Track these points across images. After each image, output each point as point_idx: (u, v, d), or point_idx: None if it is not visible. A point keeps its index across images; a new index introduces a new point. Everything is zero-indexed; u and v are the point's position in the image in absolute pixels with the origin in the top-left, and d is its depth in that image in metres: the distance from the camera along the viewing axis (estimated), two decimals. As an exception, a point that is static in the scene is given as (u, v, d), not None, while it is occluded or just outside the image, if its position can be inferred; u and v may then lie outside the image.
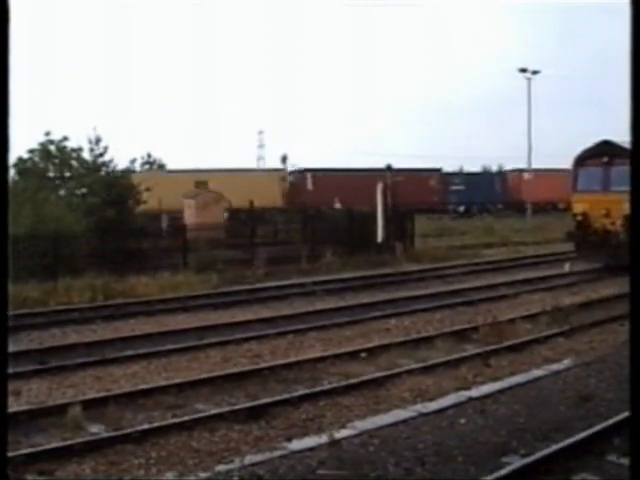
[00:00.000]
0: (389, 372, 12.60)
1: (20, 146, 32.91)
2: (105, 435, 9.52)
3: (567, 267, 27.03)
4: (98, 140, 32.63)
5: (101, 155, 32.80)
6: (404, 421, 9.78)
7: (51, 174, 32.70)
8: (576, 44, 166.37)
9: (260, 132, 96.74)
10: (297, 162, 67.44)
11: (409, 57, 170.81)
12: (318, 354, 14.14)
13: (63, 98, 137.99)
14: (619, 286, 21.20)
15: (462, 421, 9.75)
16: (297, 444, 9.04)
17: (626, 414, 8.84)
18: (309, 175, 57.81)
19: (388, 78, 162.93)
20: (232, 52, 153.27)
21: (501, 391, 11.26)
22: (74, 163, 33.12)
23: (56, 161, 33.04)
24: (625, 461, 7.92)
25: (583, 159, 26.93)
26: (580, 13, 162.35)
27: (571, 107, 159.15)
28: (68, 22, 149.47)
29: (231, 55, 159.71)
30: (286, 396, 11.18)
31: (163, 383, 12.08)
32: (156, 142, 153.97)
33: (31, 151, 33.11)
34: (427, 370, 12.80)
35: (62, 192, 29.72)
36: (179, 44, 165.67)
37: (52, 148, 33.02)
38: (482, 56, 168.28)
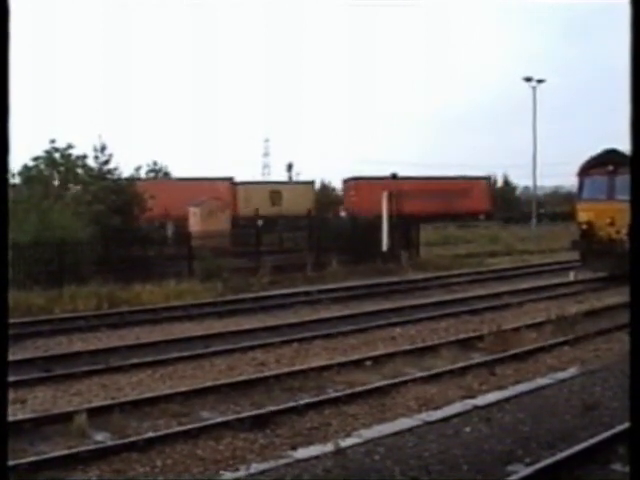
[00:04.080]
0: (394, 381, 12.60)
1: (24, 154, 32.93)
2: (110, 443, 9.53)
3: (572, 276, 27.00)
4: (103, 148, 32.71)
5: (106, 162, 32.86)
6: (409, 430, 9.76)
7: (56, 182, 32.71)
8: (582, 52, 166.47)
9: (266, 140, 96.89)
10: (301, 170, 67.42)
11: (415, 65, 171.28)
12: (323, 362, 14.14)
13: (67, 106, 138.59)
14: (624, 295, 21.14)
15: (467, 430, 9.74)
16: (302, 452, 9.03)
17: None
18: None
19: (392, 86, 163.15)
20: (237, 60, 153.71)
21: (506, 400, 11.24)
22: (79, 171, 33.15)
23: (61, 169, 33.04)
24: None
25: (588, 168, 26.89)
26: (584, 19, 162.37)
27: (577, 115, 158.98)
28: (70, 29, 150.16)
29: (236, 63, 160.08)
30: (291, 404, 11.19)
31: (168, 391, 12.09)
32: (161, 150, 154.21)
33: (36, 159, 33.11)
34: (432, 379, 12.79)
35: (67, 199, 29.66)
36: (183, 52, 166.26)
37: (57, 156, 33.02)
38: (487, 64, 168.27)
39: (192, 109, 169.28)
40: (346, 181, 64.87)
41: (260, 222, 39.83)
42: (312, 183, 62.58)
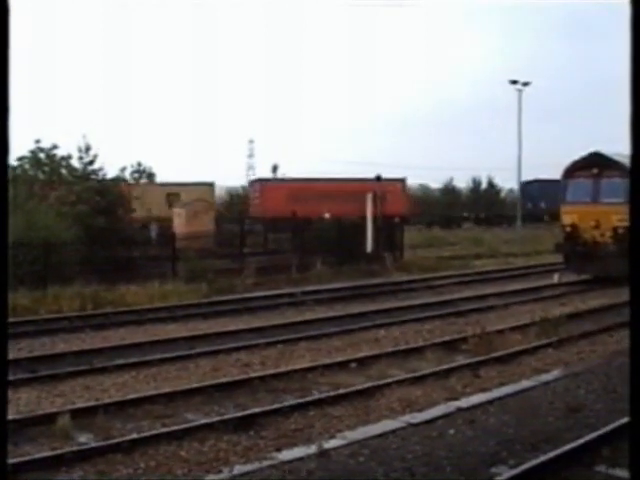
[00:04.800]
0: (379, 382, 12.60)
1: (14, 153, 32.76)
2: (94, 444, 9.49)
3: (556, 278, 27.09)
4: (87, 148, 32.57)
5: (90, 163, 32.73)
6: (393, 431, 9.77)
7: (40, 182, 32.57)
8: (574, 53, 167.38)
9: (250, 141, 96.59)
10: (287, 172, 66.96)
11: (406, 66, 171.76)
12: (308, 364, 14.14)
13: (63, 106, 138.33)
14: (608, 297, 21.30)
15: (451, 432, 9.76)
16: (286, 454, 9.02)
17: (615, 425, 8.90)
18: None
19: (382, 90, 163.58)
20: (224, 63, 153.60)
21: (490, 402, 11.26)
22: (63, 171, 33.01)
23: (46, 169, 32.90)
24: (614, 472, 7.96)
25: (573, 170, 26.97)
26: (579, 20, 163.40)
27: (563, 117, 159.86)
28: (69, 29, 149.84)
29: (233, 64, 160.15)
30: (276, 406, 11.17)
31: (152, 392, 12.06)
32: (148, 151, 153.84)
33: (20, 159, 32.95)
34: (417, 380, 12.80)
35: (51, 199, 29.51)
36: (173, 54, 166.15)
37: (42, 156, 32.87)
38: (473, 68, 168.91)
39: (189, 109, 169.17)
40: (251, 183, 61.81)
41: (154, 226, 39.23)
42: (212, 184, 61.29)
